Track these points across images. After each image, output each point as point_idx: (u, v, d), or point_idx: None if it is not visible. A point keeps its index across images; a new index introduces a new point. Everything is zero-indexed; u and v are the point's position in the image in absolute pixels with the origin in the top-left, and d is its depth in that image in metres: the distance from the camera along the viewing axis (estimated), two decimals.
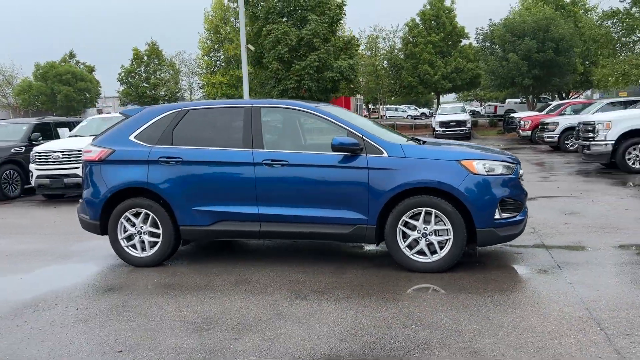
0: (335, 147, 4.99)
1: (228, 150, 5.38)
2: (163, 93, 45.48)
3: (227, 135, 5.52)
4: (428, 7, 38.35)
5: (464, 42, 39.22)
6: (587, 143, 12.43)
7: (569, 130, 19.16)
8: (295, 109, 5.50)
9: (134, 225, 5.56)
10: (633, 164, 12.24)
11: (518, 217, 4.99)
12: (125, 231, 5.60)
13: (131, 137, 5.66)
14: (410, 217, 4.94)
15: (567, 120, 19.94)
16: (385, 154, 5.00)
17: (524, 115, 26.05)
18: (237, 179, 5.30)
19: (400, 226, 4.96)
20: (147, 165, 5.48)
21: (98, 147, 5.72)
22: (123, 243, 5.61)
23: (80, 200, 5.98)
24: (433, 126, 33.54)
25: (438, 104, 42.10)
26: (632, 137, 12.07)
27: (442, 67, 36.41)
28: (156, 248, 5.54)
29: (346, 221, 5.07)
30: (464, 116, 29.94)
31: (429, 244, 4.93)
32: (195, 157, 5.40)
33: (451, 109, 31.82)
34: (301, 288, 4.65)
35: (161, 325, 3.93)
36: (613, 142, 12.14)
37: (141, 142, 5.59)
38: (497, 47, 32.02)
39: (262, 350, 3.40)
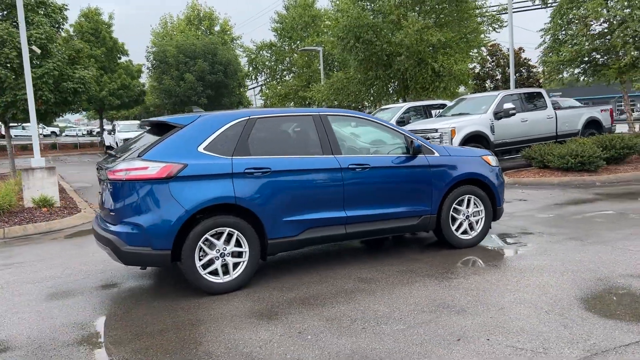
0: (416, 150, 5.79)
1: (315, 157, 5.42)
2: None
3: (302, 143, 5.53)
4: (83, 19, 36.32)
5: (124, 58, 38.76)
6: None
7: None
8: (355, 117, 5.96)
9: (212, 247, 4.93)
10: None
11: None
12: (202, 256, 4.91)
13: (200, 149, 4.98)
14: (457, 204, 6.15)
15: None
16: (437, 154, 6.05)
17: None
18: (327, 184, 5.42)
19: (451, 212, 6.11)
20: (232, 179, 4.98)
21: (158, 162, 4.78)
22: (201, 270, 4.90)
23: (117, 231, 4.80)
24: (109, 144, 32.29)
25: (101, 120, 40.30)
26: None
27: (109, 83, 35.18)
28: (241, 270, 5.06)
29: (416, 213, 5.89)
30: None
31: (470, 224, 6.24)
32: (285, 167, 5.23)
33: (131, 125, 31.19)
34: (428, 273, 5.31)
35: (432, 315, 4.13)
36: None
37: (214, 154, 5.01)
38: (171, 67, 33.09)
39: (537, 308, 4.21)
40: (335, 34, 22.25)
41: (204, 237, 4.88)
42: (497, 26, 22.09)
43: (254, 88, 41.00)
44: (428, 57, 21.12)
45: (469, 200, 6.20)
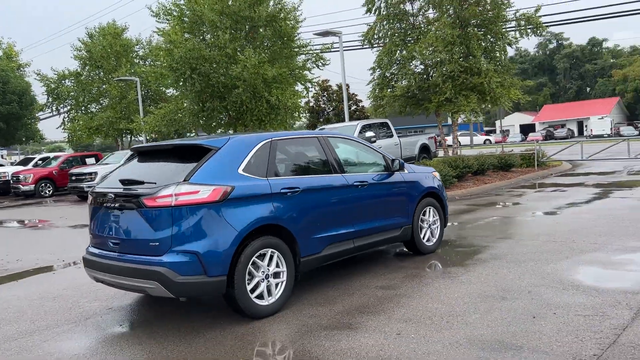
0: (401, 166, 6.44)
1: (330, 176, 5.70)
2: None
3: (314, 163, 5.75)
4: None
5: None
6: None
7: None
8: (344, 138, 6.34)
9: (257, 269, 4.89)
10: None
11: None
12: (251, 279, 4.83)
13: (240, 171, 4.92)
14: (422, 215, 6.94)
15: (104, 169, 21.33)
16: (406, 171, 6.78)
17: (19, 170, 24.98)
18: (341, 201, 5.73)
19: (419, 222, 6.87)
20: (271, 200, 5.02)
21: (208, 185, 4.60)
22: (250, 295, 4.81)
23: (168, 261, 4.44)
24: None
25: None
26: None
27: None
28: (281, 290, 5.07)
29: (398, 225, 6.51)
30: None
31: (431, 232, 7.08)
32: (310, 185, 5.40)
33: None
34: (430, 275, 5.95)
35: (488, 304, 4.74)
36: None
37: (252, 176, 4.98)
38: None
39: (555, 288, 5.15)
40: (168, 65, 21.75)
41: (251, 259, 4.80)
42: (321, 64, 24.00)
43: (50, 117, 37.05)
44: (263, 90, 21.98)
45: (429, 211, 7.04)
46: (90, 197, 5.27)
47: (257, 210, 4.87)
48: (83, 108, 32.28)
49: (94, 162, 24.70)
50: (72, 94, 31.44)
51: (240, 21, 22.22)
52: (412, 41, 18.87)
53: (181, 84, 22.08)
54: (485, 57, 18.37)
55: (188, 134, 24.48)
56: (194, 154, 4.95)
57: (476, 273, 5.88)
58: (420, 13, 19.24)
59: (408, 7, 19.02)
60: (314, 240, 5.37)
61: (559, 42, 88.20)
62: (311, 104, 30.83)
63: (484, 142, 56.18)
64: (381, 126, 15.85)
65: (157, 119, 23.48)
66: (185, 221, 4.49)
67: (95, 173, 20.83)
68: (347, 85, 31.01)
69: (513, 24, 18.38)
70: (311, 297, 5.46)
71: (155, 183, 4.67)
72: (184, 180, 4.59)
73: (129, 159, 5.63)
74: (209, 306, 5.45)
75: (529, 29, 17.74)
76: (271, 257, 4.98)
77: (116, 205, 4.83)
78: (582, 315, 4.36)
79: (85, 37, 31.57)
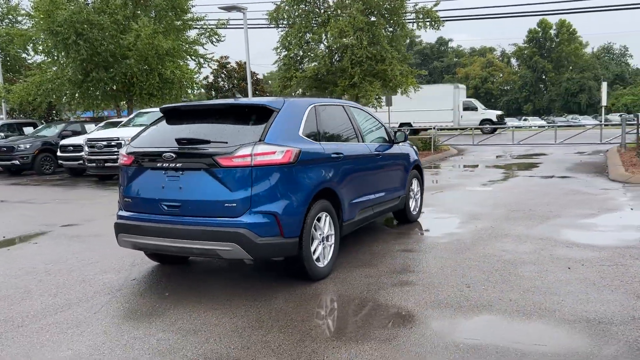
0: (405, 138, 6.73)
1: (359, 144, 5.85)
2: None
3: (341, 130, 5.80)
4: None
5: None
6: None
7: None
8: (360, 109, 6.44)
9: (316, 231, 4.91)
10: None
11: None
12: (313, 242, 4.84)
13: (300, 134, 4.87)
14: (410, 185, 7.35)
15: None
16: (401, 144, 7.11)
17: None
18: (368, 168, 5.92)
19: (409, 192, 7.27)
20: (325, 164, 5.05)
21: (281, 146, 4.49)
22: (312, 257, 4.82)
23: (249, 222, 4.28)
24: None
25: None
26: None
27: None
28: (331, 253, 5.13)
29: (398, 194, 6.83)
30: None
31: (416, 201, 7.52)
32: (350, 152, 5.50)
33: None
34: (436, 242, 6.39)
35: (519, 260, 5.26)
36: None
37: (309, 139, 4.96)
38: None
39: (558, 245, 5.87)
40: (46, 27, 19.61)
41: (314, 222, 4.81)
42: (215, 40, 23.33)
43: None
44: (156, 63, 20.85)
45: (414, 182, 7.47)
46: (126, 158, 4.81)
47: (319, 173, 4.88)
48: None
49: None
50: None
51: None
52: (315, 26, 19.23)
53: (61, 50, 20.02)
54: (389, 45, 19.37)
55: (67, 106, 22.29)
56: (255, 114, 4.77)
57: (477, 237, 6.42)
58: None
59: None
60: (352, 205, 5.49)
61: (411, 38, 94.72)
62: (210, 80, 29.80)
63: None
64: None
65: (30, 87, 21.04)
66: (263, 182, 4.36)
67: None
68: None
69: (413, 16, 19.59)
70: (346, 260, 5.55)
71: (227, 142, 4.44)
72: (260, 141, 4.43)
73: (159, 119, 5.20)
74: (236, 272, 5.30)
75: (427, 21, 19.05)
76: (324, 221, 5.01)
77: (176, 165, 4.49)
78: (606, 265, 5.07)
79: None
